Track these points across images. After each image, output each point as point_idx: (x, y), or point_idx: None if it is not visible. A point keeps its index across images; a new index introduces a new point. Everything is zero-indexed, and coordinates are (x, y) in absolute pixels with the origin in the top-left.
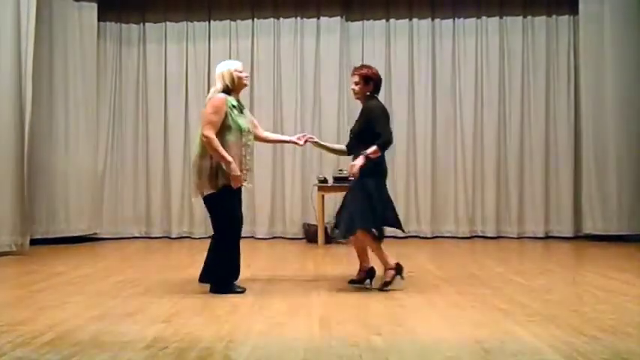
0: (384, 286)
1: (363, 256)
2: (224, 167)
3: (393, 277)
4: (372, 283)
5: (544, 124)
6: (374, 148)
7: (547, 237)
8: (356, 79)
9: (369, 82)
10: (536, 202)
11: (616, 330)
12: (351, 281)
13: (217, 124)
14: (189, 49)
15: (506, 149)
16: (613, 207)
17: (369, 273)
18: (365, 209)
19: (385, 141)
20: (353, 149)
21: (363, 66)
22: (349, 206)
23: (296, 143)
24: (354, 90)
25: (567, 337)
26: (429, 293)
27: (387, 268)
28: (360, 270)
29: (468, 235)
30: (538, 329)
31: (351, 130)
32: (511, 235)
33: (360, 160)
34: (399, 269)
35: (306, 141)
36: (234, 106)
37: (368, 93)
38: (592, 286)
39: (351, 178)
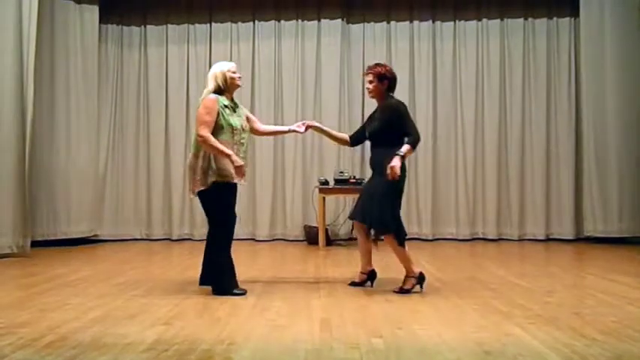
0: (400, 292)
1: (366, 258)
2: (216, 165)
3: (413, 286)
4: (373, 285)
5: (545, 126)
6: (407, 147)
7: (548, 239)
8: (370, 77)
9: (384, 80)
10: (536, 204)
11: (617, 332)
12: (352, 283)
13: (211, 124)
14: (190, 52)
15: (507, 151)
16: (614, 209)
17: (370, 275)
18: (396, 212)
19: (417, 139)
20: (371, 147)
21: (376, 64)
22: (383, 207)
23: (296, 131)
24: (368, 89)
25: (568, 340)
26: (429, 295)
27: (408, 275)
28: (361, 272)
29: (469, 238)
30: (539, 332)
31: (368, 131)
32: (512, 238)
33: (397, 161)
34: (421, 279)
35: (307, 127)
36: (225, 106)
37: (384, 91)
38: (593, 288)
39: (389, 179)
